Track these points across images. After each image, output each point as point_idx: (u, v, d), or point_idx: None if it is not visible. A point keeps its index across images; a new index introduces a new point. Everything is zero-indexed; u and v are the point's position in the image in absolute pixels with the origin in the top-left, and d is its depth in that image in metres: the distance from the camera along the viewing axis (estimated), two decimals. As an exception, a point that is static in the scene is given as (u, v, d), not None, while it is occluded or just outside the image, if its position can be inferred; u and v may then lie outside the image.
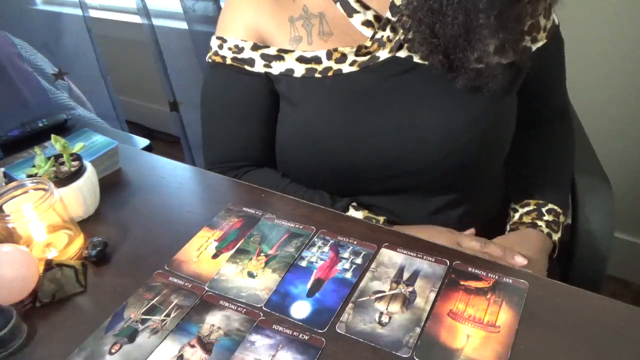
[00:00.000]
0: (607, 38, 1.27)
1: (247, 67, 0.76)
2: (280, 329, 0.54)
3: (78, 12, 1.74)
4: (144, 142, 1.21)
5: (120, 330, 0.55)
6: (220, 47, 0.77)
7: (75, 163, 0.72)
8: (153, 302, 0.58)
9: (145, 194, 0.78)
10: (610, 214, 0.82)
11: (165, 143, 2.27)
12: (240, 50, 0.75)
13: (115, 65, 1.92)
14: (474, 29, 0.61)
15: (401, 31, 0.68)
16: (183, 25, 1.61)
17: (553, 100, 0.86)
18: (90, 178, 0.72)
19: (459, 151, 0.70)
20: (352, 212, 0.75)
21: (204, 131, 0.85)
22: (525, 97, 0.78)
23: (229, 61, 0.76)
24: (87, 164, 0.73)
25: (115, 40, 2.10)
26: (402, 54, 0.69)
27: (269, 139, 0.81)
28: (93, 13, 1.79)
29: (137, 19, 1.65)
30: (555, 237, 0.77)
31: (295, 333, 0.53)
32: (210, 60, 0.79)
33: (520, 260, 0.68)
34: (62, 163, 0.72)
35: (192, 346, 0.53)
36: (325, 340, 0.52)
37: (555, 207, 0.79)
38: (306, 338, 0.52)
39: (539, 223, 0.77)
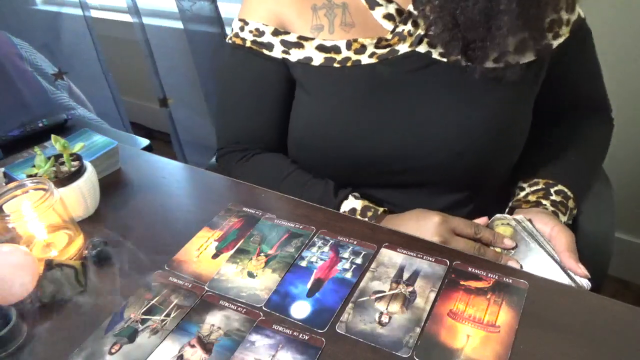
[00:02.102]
0: (607, 38, 1.27)
1: (265, 51, 0.77)
2: (280, 329, 0.54)
3: (78, 12, 1.74)
4: (144, 142, 1.21)
5: (120, 330, 0.55)
6: (242, 29, 0.78)
7: (75, 163, 0.72)
8: (153, 302, 0.58)
9: (145, 194, 0.78)
10: (610, 214, 0.82)
11: (165, 143, 2.26)
12: (260, 34, 0.76)
13: (114, 65, 1.91)
14: (495, 15, 0.61)
15: (422, 25, 0.68)
16: (177, 24, 1.62)
17: (583, 95, 0.83)
18: (90, 178, 0.72)
19: (473, 149, 0.70)
20: (351, 200, 0.74)
21: (218, 110, 0.86)
22: (550, 93, 0.76)
23: (248, 44, 0.78)
24: (87, 164, 0.73)
25: (113, 39, 2.10)
26: (422, 49, 0.70)
27: (281, 124, 0.81)
28: (92, 13, 1.79)
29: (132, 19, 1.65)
30: (563, 219, 0.74)
31: (295, 333, 0.53)
32: (230, 42, 0.81)
33: (508, 243, 0.68)
34: (62, 163, 0.72)
35: (192, 346, 0.53)
36: (325, 340, 0.52)
37: (565, 189, 0.75)
38: (306, 338, 0.52)
39: (544, 202, 0.74)
